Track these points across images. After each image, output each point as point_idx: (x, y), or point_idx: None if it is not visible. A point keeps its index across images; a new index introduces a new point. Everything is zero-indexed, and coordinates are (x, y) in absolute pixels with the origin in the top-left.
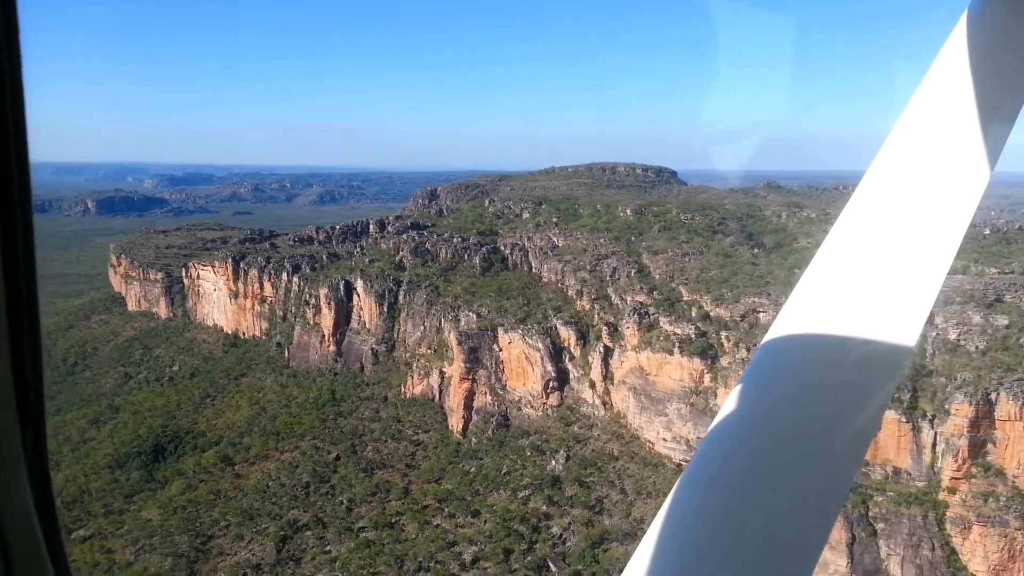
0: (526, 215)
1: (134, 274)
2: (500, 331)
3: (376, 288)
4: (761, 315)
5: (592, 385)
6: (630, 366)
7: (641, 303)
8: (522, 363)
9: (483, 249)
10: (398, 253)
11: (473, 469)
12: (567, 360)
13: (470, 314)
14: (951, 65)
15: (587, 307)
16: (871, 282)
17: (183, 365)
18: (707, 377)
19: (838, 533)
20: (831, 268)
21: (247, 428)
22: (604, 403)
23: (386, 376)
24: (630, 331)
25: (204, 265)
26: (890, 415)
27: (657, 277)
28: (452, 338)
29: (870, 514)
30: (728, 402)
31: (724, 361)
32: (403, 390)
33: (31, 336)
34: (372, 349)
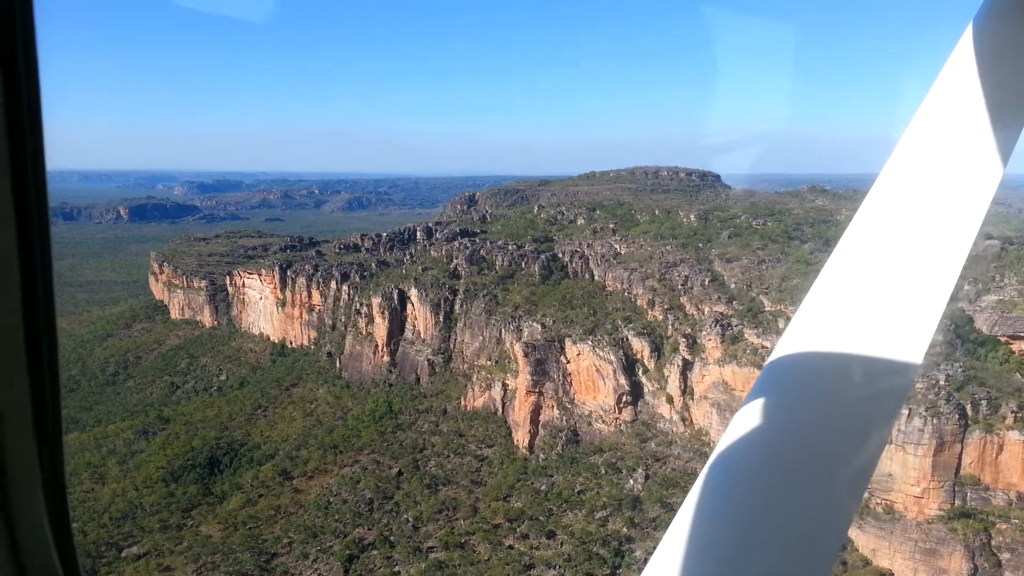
0: (580, 221)
1: (177, 282)
2: (568, 342)
3: (431, 297)
4: None
5: (670, 400)
6: (712, 380)
7: (721, 314)
8: (592, 376)
9: (542, 257)
10: (451, 261)
11: (544, 487)
12: (640, 373)
13: (534, 324)
14: (957, 77)
15: (660, 317)
16: (879, 295)
17: (231, 374)
18: None
19: (958, 563)
20: (839, 282)
21: (303, 441)
22: (683, 419)
23: (444, 388)
24: (712, 343)
25: (250, 273)
26: (1013, 436)
27: (733, 286)
28: (517, 349)
29: (993, 543)
30: (737, 418)
31: None
32: (463, 403)
33: (49, 355)
34: (428, 360)
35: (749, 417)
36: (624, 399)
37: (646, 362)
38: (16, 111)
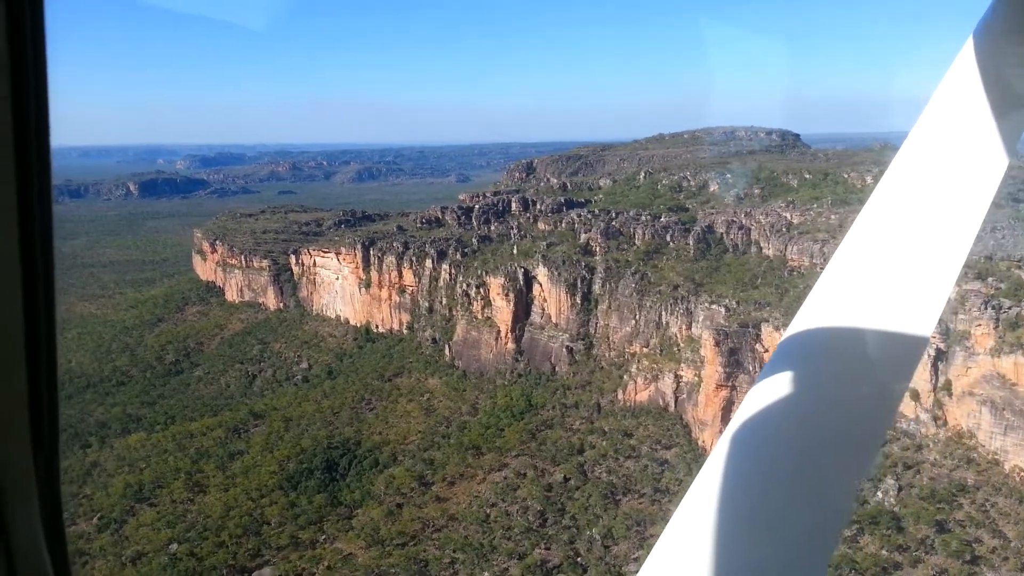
0: (713, 187)
1: (234, 262)
2: (765, 328)
3: (565, 276)
4: None
5: (915, 396)
6: (982, 374)
7: (980, 293)
8: None
9: (696, 229)
10: (576, 234)
11: None
12: None
13: (713, 307)
14: (957, 86)
15: None
16: (888, 279)
17: (313, 362)
18: None
19: None
20: (853, 261)
21: (429, 440)
22: (935, 419)
23: (590, 379)
24: (981, 330)
25: (324, 251)
26: None
27: (970, 258)
28: (706, 337)
29: None
30: (752, 393)
31: None
32: (621, 396)
33: (48, 359)
34: (567, 347)
35: (765, 392)
36: None
37: None
38: (23, 110)
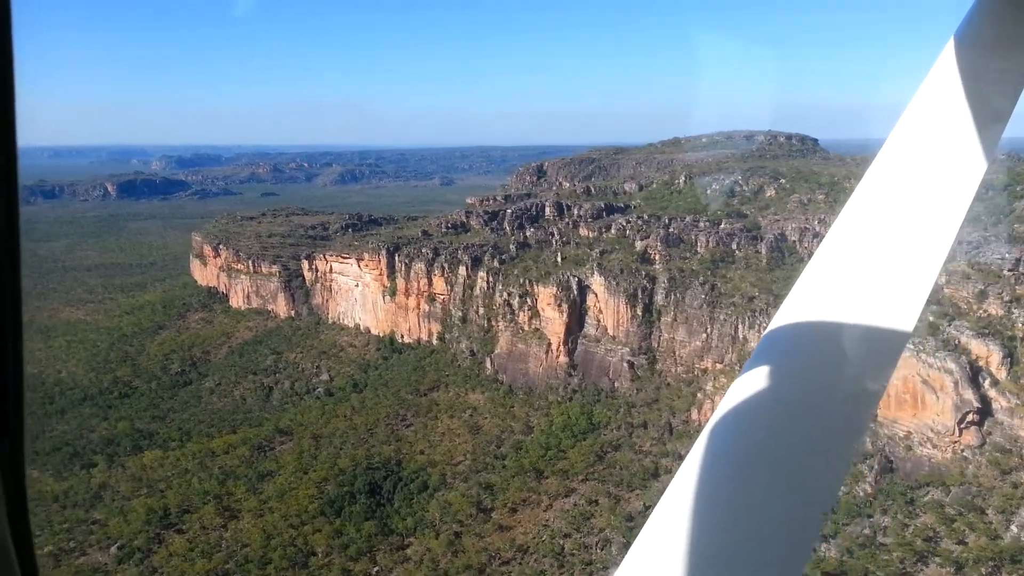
0: (771, 192)
1: (240, 267)
2: None
3: (624, 286)
4: None
5: None
6: None
7: None
8: (914, 388)
9: (768, 237)
10: (630, 241)
11: (867, 530)
12: (986, 385)
13: None
14: (937, 89)
15: (998, 313)
16: (871, 274)
17: (335, 374)
18: None
19: None
20: (833, 261)
21: (481, 461)
22: None
23: (656, 396)
24: None
25: (344, 257)
26: None
27: None
28: None
29: None
30: (729, 393)
31: None
32: (695, 416)
33: (13, 342)
34: (628, 361)
35: (748, 386)
36: (969, 418)
37: (995, 371)
38: None
